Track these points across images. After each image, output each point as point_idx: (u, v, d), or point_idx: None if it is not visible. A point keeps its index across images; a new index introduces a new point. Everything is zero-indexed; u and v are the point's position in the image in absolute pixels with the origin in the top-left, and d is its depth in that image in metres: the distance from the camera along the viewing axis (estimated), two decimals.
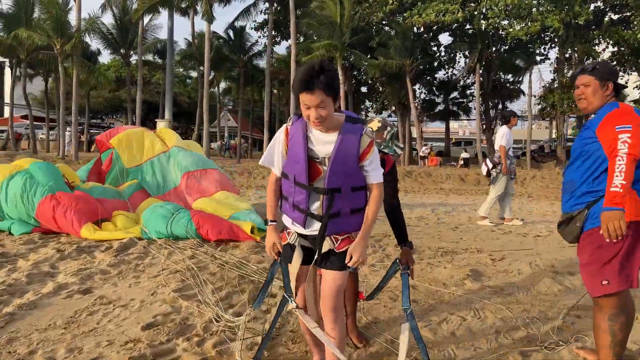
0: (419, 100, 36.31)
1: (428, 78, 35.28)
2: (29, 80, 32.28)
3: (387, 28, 30.47)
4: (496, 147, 8.01)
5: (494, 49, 30.02)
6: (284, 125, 2.42)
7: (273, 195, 2.51)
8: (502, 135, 7.89)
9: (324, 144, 2.29)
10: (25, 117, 32.02)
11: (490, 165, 7.93)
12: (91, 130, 39.73)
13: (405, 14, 26.34)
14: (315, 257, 2.40)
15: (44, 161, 6.81)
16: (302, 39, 32.15)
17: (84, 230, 5.75)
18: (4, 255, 5.08)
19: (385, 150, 3.01)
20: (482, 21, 25.59)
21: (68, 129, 28.11)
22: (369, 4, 27.55)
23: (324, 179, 2.29)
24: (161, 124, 28.43)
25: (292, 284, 2.48)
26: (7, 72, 37.77)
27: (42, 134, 36.22)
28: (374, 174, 2.34)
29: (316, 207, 2.33)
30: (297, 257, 2.43)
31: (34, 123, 31.48)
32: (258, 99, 42.48)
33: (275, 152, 2.43)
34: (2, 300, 3.80)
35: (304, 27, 28.94)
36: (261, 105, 37.82)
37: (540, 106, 30.01)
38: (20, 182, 6.00)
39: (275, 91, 39.06)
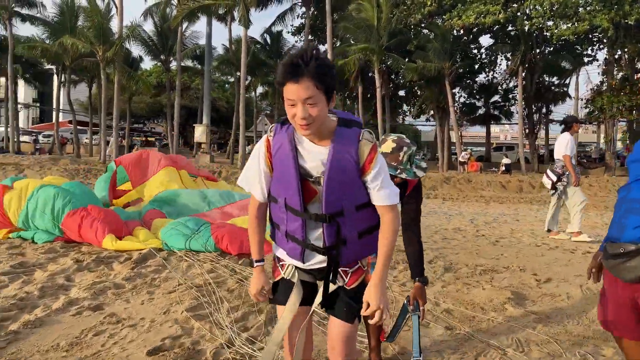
0: (458, 104, 35.41)
1: (468, 81, 34.33)
2: (73, 86, 33.28)
3: (425, 31, 29.84)
4: (558, 156, 7.31)
5: (537, 50, 28.90)
6: (264, 136, 1.91)
7: (256, 227, 2.00)
8: (566, 143, 7.17)
9: (318, 159, 1.79)
10: (72, 122, 33.06)
11: (555, 178, 7.24)
12: (133, 136, 40.76)
13: (444, 16, 25.68)
14: (317, 300, 1.95)
15: (76, 182, 6.83)
16: (338, 43, 31.89)
17: (106, 240, 5.60)
18: (23, 265, 4.96)
19: (403, 176, 2.56)
20: (526, 22, 24.64)
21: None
22: (407, 7, 27.03)
23: (321, 202, 1.82)
24: (199, 129, 28.80)
25: (283, 328, 1.95)
26: (55, 78, 39.09)
27: (86, 138, 37.30)
28: (382, 194, 1.81)
29: (316, 236, 1.87)
30: (295, 296, 1.94)
31: (79, 128, 32.44)
32: None
33: (257, 171, 1.92)
34: (9, 317, 3.63)
35: (341, 30, 28.65)
36: None
37: (587, 110, 28.69)
38: (53, 190, 5.95)
39: None
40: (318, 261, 1.91)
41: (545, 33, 26.13)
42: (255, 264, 2.01)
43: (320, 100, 1.66)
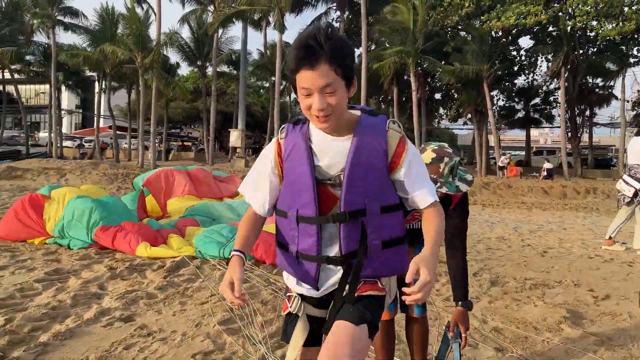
0: (496, 107, 34.52)
1: (507, 84, 33.42)
2: (113, 93, 34.13)
3: (462, 33, 29.22)
4: (635, 161, 6.69)
5: (580, 51, 27.84)
6: (274, 139, 1.67)
7: (247, 223, 1.72)
8: None
9: (337, 153, 1.53)
10: (112, 127, 33.93)
11: (638, 185, 6.54)
12: (170, 141, 41.51)
13: (482, 17, 25.05)
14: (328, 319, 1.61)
15: (113, 196, 6.83)
16: (373, 46, 31.61)
17: (140, 247, 5.54)
18: (57, 272, 4.93)
19: (444, 190, 2.30)
20: (568, 22, 23.77)
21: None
22: (444, 8, 26.50)
23: (340, 204, 1.53)
24: (234, 134, 29.04)
25: None
26: (97, 85, 40.20)
27: (125, 143, 38.17)
28: (422, 193, 1.56)
29: (335, 251, 1.57)
30: (299, 333, 1.63)
31: (118, 133, 33.24)
32: None
33: (260, 177, 1.68)
34: (41, 326, 3.54)
35: (376, 34, 28.37)
36: None
37: (635, 112, 27.43)
38: (91, 204, 5.96)
39: None
40: (334, 282, 1.60)
41: (588, 33, 25.18)
42: (232, 253, 1.61)
43: (339, 87, 1.43)
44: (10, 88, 37.63)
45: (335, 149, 1.53)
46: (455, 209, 2.51)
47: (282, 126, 1.66)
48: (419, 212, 1.63)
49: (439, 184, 2.30)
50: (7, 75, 33.12)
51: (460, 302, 2.41)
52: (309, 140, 1.56)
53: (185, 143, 48.62)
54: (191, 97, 42.32)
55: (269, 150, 1.65)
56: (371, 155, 1.51)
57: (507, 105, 36.44)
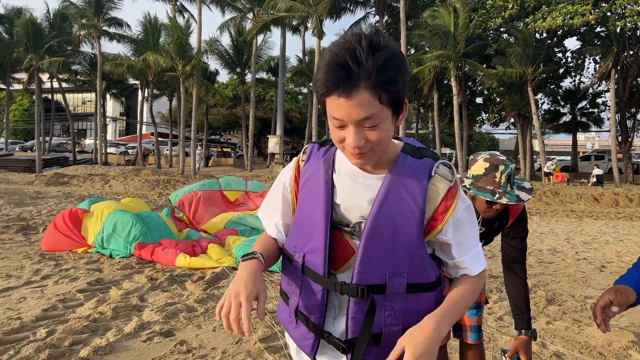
0: (540, 111, 33.41)
1: (552, 87, 32.31)
2: (154, 100, 34.96)
3: (505, 35, 28.45)
4: None
5: (631, 52, 26.61)
6: (294, 159, 1.34)
7: (267, 239, 1.37)
8: None
9: (361, 193, 1.19)
10: (154, 134, 34.72)
11: None
12: (210, 147, 42.19)
13: (527, 19, 24.28)
14: None
15: (151, 212, 6.82)
16: (412, 51, 31.19)
17: (179, 258, 5.50)
18: (99, 282, 4.92)
19: (503, 201, 2.02)
20: (618, 22, 22.74)
21: (199, 147, 29.78)
22: (486, 10, 25.85)
23: (353, 267, 1.17)
24: (273, 140, 29.22)
25: None
26: (140, 93, 41.27)
27: (166, 150, 38.96)
28: (470, 259, 1.20)
29: (341, 328, 1.22)
30: None
31: (160, 140, 33.99)
32: None
33: (277, 201, 1.36)
34: (81, 340, 3.50)
35: (415, 38, 27.95)
36: None
37: None
38: (131, 219, 5.99)
39: None
40: None
41: (639, 33, 24.04)
42: (247, 257, 1.23)
43: (384, 119, 1.05)
44: (58, 96, 39.15)
45: (361, 186, 1.18)
46: (512, 227, 2.30)
47: (306, 146, 1.33)
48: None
49: (497, 195, 2.05)
50: (56, 84, 34.47)
51: (523, 331, 2.21)
52: (332, 169, 1.22)
53: (225, 149, 49.29)
54: (230, 103, 42.91)
55: (287, 174, 1.33)
56: (402, 214, 1.14)
57: (552, 108, 35.26)
